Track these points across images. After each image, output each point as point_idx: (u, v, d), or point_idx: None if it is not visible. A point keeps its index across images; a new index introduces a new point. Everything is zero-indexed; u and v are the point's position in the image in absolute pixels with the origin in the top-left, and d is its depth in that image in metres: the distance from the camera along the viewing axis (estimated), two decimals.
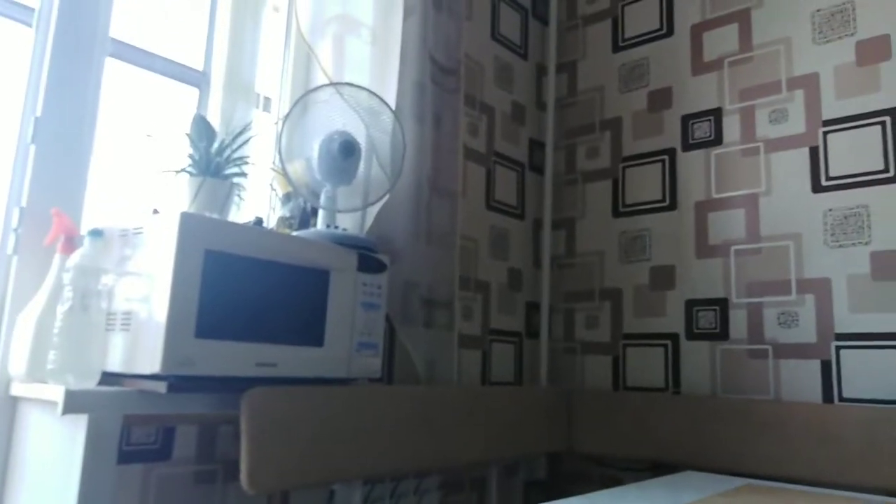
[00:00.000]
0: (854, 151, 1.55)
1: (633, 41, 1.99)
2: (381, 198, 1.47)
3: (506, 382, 1.86)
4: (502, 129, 1.96)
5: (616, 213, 1.93)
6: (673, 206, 1.82)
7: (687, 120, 1.84)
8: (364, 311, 1.31)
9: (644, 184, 1.89)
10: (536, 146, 2.08)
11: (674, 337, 1.76)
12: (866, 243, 1.50)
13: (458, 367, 1.69)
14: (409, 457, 1.32)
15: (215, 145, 1.29)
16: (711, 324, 1.70)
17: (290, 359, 1.15)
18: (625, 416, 1.70)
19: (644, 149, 1.91)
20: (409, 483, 1.42)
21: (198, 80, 1.47)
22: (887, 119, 1.52)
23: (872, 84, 1.55)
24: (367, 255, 1.32)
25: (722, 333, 1.68)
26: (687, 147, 1.82)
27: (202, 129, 1.31)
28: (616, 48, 2.03)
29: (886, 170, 1.50)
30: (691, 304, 1.74)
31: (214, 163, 1.28)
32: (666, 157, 1.86)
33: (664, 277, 1.80)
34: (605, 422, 1.73)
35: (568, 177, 2.06)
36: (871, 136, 1.53)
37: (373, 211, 1.52)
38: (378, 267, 1.34)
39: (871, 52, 1.56)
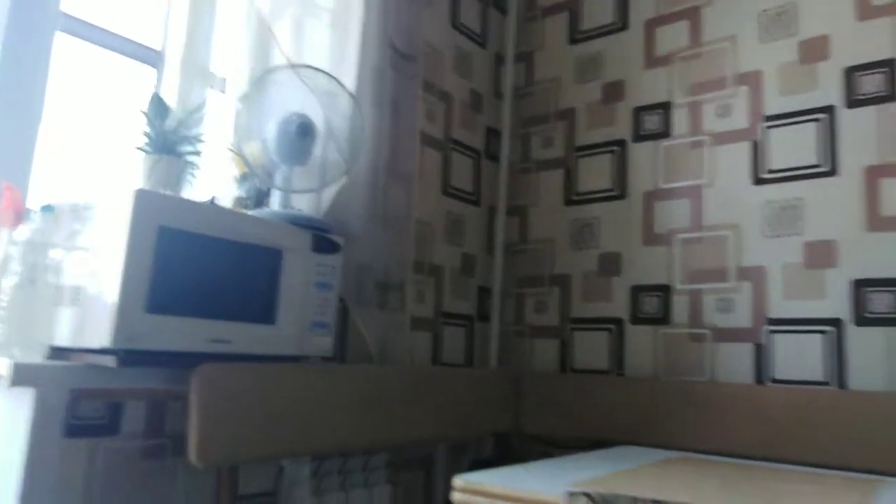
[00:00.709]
0: (792, 146, 1.63)
1: (589, 34, 2.04)
2: (337, 180, 1.49)
3: (456, 364, 1.90)
4: (460, 116, 1.99)
5: (568, 202, 1.98)
6: (622, 195, 1.88)
7: (638, 112, 1.90)
8: (317, 290, 1.33)
9: (595, 173, 1.94)
10: (493, 134, 2.12)
11: (619, 321, 1.82)
12: (800, 234, 1.58)
13: (409, 348, 1.73)
14: (359, 434, 1.35)
15: (170, 123, 1.29)
16: (655, 309, 1.77)
17: (243, 336, 1.17)
18: (570, 398, 1.76)
19: (596, 139, 1.96)
20: (357, 460, 1.45)
21: (154, 59, 1.47)
22: (824, 116, 1.59)
23: (811, 82, 1.62)
24: (321, 235, 1.34)
25: (664, 318, 1.75)
26: (637, 139, 1.88)
27: (158, 108, 1.31)
28: (573, 40, 2.07)
29: (821, 165, 1.58)
30: (636, 290, 1.81)
31: (169, 141, 1.29)
32: (617, 147, 1.92)
33: (611, 264, 1.86)
34: (552, 403, 1.79)
35: (523, 165, 2.10)
36: (808, 132, 1.61)
37: (329, 194, 1.53)
38: (332, 248, 1.36)
39: (812, 51, 1.64)
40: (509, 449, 1.89)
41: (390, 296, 1.65)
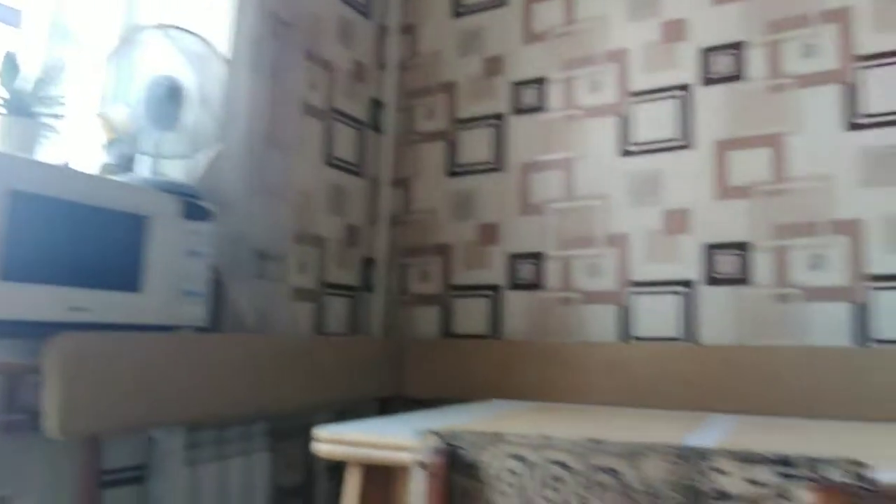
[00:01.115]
0: (654, 121, 1.74)
1: (470, 8, 2.08)
2: (209, 146, 1.45)
3: (341, 334, 1.92)
4: (343, 86, 1.98)
5: (450, 173, 2.03)
6: (501, 167, 1.95)
7: (516, 87, 1.96)
8: (188, 258, 1.31)
9: (476, 146, 2.00)
10: (377, 105, 2.13)
11: (496, 288, 1.90)
12: (660, 203, 1.70)
13: (291, 318, 1.72)
14: (235, 404, 1.34)
15: (24, 84, 1.23)
16: (529, 275, 1.85)
17: (105, 304, 1.13)
18: (451, 361, 1.83)
19: (477, 112, 2.01)
20: (235, 430, 1.45)
21: (15, 18, 1.37)
22: (682, 93, 1.71)
23: (670, 61, 1.74)
24: (192, 202, 1.31)
25: (538, 284, 1.83)
26: (515, 112, 1.95)
27: (10, 67, 1.24)
28: (455, 14, 2.10)
29: (678, 138, 1.70)
30: (513, 258, 1.88)
31: (24, 102, 1.23)
32: (496, 120, 1.97)
33: (490, 233, 1.93)
34: (433, 367, 1.85)
35: (407, 137, 2.12)
36: (668, 107, 1.73)
37: (203, 162, 1.50)
38: (203, 215, 1.33)
39: (671, 32, 1.75)
40: (391, 413, 1.93)
41: (269, 266, 1.64)
